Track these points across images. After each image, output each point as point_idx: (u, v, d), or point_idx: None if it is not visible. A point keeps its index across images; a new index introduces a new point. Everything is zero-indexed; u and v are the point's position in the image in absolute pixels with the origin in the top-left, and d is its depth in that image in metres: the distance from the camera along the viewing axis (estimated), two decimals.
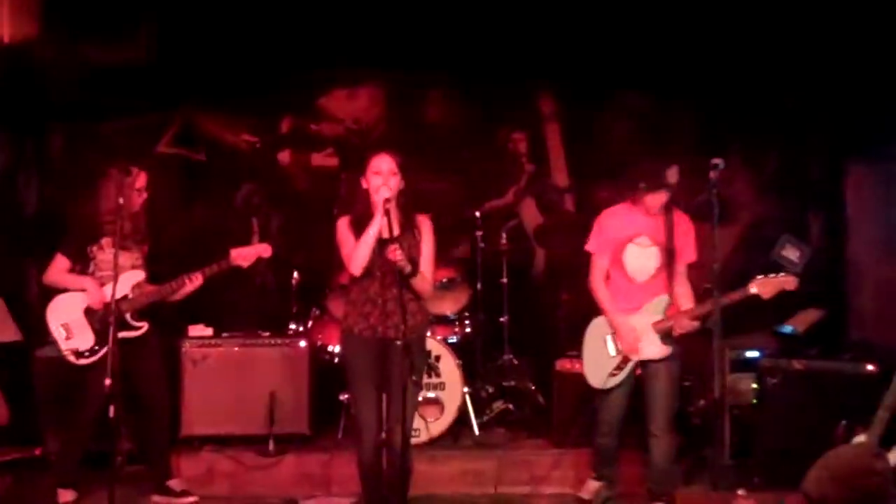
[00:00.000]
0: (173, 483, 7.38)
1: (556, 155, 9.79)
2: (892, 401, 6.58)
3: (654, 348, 6.83)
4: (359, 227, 6.22)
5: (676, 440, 7.02)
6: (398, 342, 6.03)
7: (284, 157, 9.74)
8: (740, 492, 6.70)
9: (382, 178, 6.22)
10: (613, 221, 7.04)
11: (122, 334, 6.89)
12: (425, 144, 9.55)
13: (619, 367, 6.89)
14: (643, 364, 6.88)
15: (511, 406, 8.59)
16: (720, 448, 7.76)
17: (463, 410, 7.99)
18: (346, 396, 7.90)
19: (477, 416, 8.11)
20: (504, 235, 8.79)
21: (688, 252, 6.92)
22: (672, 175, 6.79)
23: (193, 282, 7.12)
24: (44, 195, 9.06)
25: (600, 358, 6.98)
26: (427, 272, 6.37)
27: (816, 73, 8.97)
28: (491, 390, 8.65)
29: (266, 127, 9.71)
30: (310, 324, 8.55)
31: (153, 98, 9.27)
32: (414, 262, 6.22)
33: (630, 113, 9.68)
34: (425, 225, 6.44)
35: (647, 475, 6.99)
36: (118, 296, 6.81)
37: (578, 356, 8.09)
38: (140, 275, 7.21)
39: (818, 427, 6.84)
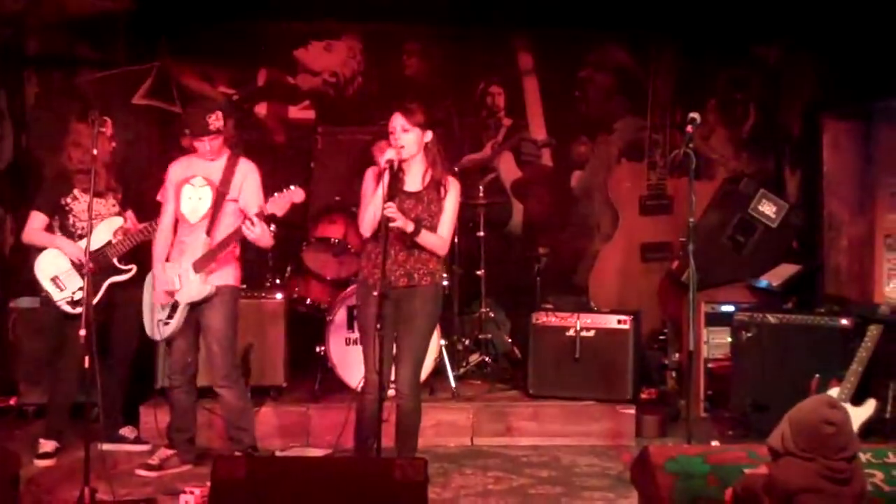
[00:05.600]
0: (125, 431, 7.49)
1: (533, 109, 9.77)
2: (866, 355, 6.66)
3: (193, 289, 6.73)
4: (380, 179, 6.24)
5: (245, 391, 7.04)
6: (374, 293, 6.05)
7: (261, 109, 9.69)
8: (714, 443, 6.77)
9: (394, 136, 6.23)
10: (175, 168, 6.91)
11: (112, 279, 7.18)
12: (402, 98, 9.49)
13: (170, 316, 6.76)
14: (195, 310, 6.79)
15: (487, 358, 8.62)
16: (695, 401, 7.84)
17: (439, 363, 8.00)
18: (322, 349, 7.94)
19: (453, 369, 8.13)
20: (482, 189, 8.77)
21: (247, 197, 6.76)
22: (213, 121, 6.68)
23: None
24: (19, 146, 8.99)
25: (153, 308, 6.87)
26: (443, 231, 6.36)
27: (796, 30, 8.97)
28: (467, 343, 8.69)
29: (243, 79, 9.65)
30: (286, 276, 8.53)
31: (130, 49, 9.21)
32: (418, 221, 6.22)
33: (608, 67, 9.68)
34: (451, 185, 6.41)
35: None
36: (102, 243, 7.03)
37: (554, 309, 8.19)
38: (119, 220, 7.26)
39: (792, 381, 6.91)
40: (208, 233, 6.70)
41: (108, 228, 7.17)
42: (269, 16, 9.19)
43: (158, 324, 6.79)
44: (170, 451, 6.95)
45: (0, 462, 5.42)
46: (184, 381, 6.90)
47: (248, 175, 6.82)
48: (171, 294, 6.71)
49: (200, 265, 6.67)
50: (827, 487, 4.03)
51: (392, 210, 6.06)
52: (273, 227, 8.18)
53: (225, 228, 6.70)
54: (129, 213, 7.36)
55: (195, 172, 6.82)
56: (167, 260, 6.78)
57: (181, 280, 6.70)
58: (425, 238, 6.28)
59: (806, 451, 4.06)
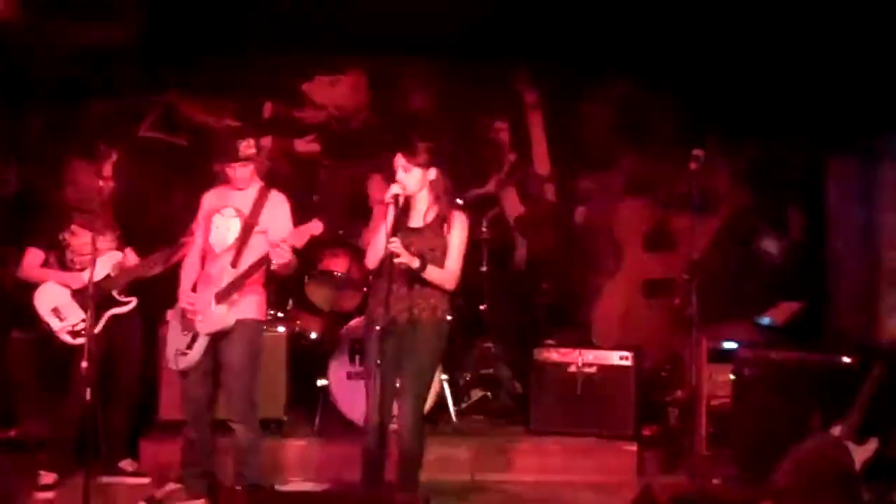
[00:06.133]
0: (125, 464, 7.49)
1: (538, 144, 9.79)
2: (868, 392, 6.64)
3: (213, 320, 6.65)
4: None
5: (257, 428, 6.89)
6: (376, 327, 6.08)
7: (266, 142, 9.69)
8: (716, 481, 6.75)
9: (397, 176, 6.29)
10: (208, 198, 6.91)
11: (112, 311, 7.22)
12: (407, 132, 9.50)
13: (189, 346, 6.68)
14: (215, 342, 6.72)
15: (489, 394, 8.61)
16: (697, 438, 7.81)
17: (441, 397, 7.98)
18: (323, 383, 7.92)
19: (455, 404, 8.11)
20: (485, 223, 8.78)
21: (277, 228, 6.70)
22: (245, 148, 6.70)
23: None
24: (23, 177, 9.02)
25: (174, 337, 6.79)
26: (451, 265, 6.38)
27: (798, 66, 8.98)
28: (469, 378, 8.68)
29: (249, 112, 9.67)
30: (288, 309, 8.53)
31: (136, 81, 9.25)
32: (423, 256, 6.24)
33: (612, 103, 9.70)
34: (456, 219, 6.44)
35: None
36: (100, 276, 7.03)
37: (556, 345, 8.17)
38: (118, 255, 7.33)
39: (795, 418, 6.88)
40: (233, 264, 6.67)
41: (106, 262, 7.21)
42: (275, 50, 9.22)
43: (177, 353, 6.74)
44: (176, 486, 6.90)
45: (0, 494, 5.41)
46: (196, 416, 6.84)
47: (278, 206, 6.82)
48: (192, 320, 6.67)
49: (223, 296, 6.62)
50: None
51: (396, 245, 6.08)
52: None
53: (250, 259, 6.65)
54: (129, 251, 7.40)
55: (226, 203, 6.81)
56: (193, 290, 6.75)
57: (202, 310, 6.67)
58: (432, 273, 6.29)
59: (810, 490, 4.06)
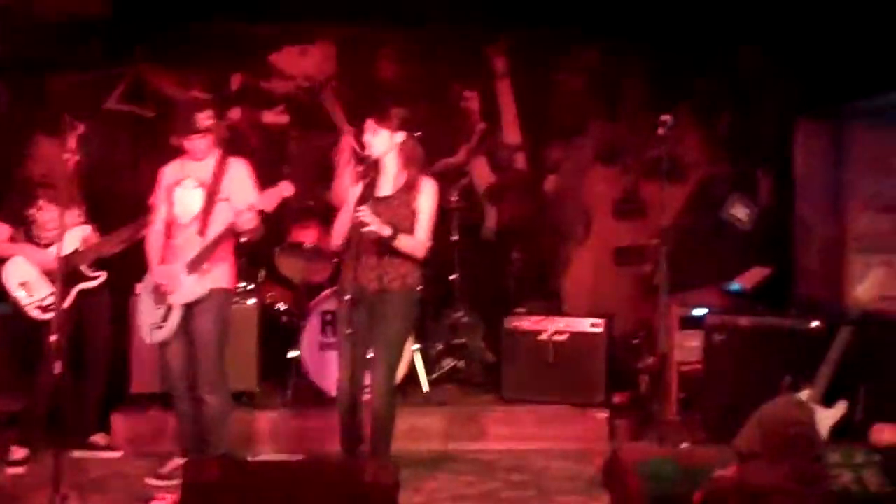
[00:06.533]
0: (96, 438, 7.48)
1: (507, 113, 9.75)
2: (836, 357, 6.69)
3: (186, 291, 6.63)
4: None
5: (228, 398, 6.89)
6: (346, 297, 6.09)
7: (235, 114, 9.64)
8: (685, 446, 6.80)
9: (364, 139, 6.33)
10: (167, 171, 6.86)
11: (81, 286, 7.20)
12: (376, 102, 9.47)
13: (164, 319, 6.66)
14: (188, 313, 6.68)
15: (461, 363, 8.62)
16: (666, 404, 7.86)
17: (412, 368, 7.99)
18: (294, 354, 7.92)
19: (427, 373, 8.12)
20: (455, 193, 8.78)
21: (240, 194, 6.67)
22: (203, 119, 6.66)
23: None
24: None
25: (147, 312, 6.77)
26: (420, 233, 6.41)
27: (769, 31, 8.99)
28: (440, 347, 8.68)
29: (216, 83, 9.60)
30: (259, 281, 8.51)
31: (103, 53, 9.18)
32: (394, 225, 6.24)
33: (581, 70, 9.66)
34: (424, 186, 6.45)
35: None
36: (68, 251, 6.93)
37: (527, 313, 8.19)
38: (87, 229, 7.28)
39: (764, 383, 6.91)
40: (200, 233, 6.63)
41: (75, 237, 7.17)
42: (243, 20, 9.15)
43: (152, 327, 6.71)
44: (181, 461, 6.85)
45: None
46: (183, 389, 6.79)
47: (238, 172, 6.78)
48: (166, 292, 6.62)
49: (194, 265, 6.59)
50: (794, 489, 4.04)
51: (366, 214, 6.07)
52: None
53: (217, 228, 6.62)
54: (91, 228, 7.36)
55: (187, 174, 6.76)
56: (161, 262, 6.72)
57: (174, 282, 6.62)
58: (403, 242, 6.30)
59: (773, 452, 4.07)
